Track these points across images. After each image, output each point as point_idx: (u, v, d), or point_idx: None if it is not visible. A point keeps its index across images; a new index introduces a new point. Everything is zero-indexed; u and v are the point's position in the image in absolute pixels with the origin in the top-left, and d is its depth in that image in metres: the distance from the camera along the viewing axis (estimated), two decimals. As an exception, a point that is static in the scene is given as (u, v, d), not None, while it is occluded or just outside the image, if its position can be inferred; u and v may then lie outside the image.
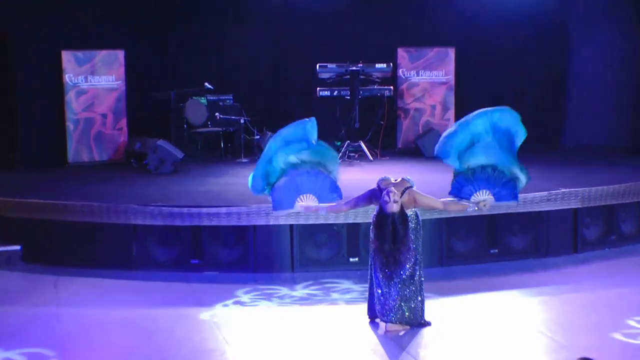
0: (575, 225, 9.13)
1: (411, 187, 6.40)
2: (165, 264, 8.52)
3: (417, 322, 6.49)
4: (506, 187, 6.46)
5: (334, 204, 6.56)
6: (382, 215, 6.27)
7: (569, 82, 14.28)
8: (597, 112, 14.10)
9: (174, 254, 8.54)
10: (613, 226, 9.40)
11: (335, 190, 6.57)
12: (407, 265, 6.34)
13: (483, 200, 6.43)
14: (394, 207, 6.22)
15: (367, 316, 6.67)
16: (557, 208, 9.00)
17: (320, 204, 6.53)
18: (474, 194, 6.43)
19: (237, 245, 8.52)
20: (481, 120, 6.52)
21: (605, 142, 13.85)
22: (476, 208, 6.45)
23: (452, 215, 8.52)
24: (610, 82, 14.09)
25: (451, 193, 6.54)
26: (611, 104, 14.10)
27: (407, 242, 6.28)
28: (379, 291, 6.40)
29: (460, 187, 6.47)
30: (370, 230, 6.47)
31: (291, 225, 8.42)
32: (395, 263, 6.27)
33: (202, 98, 13.05)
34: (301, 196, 6.51)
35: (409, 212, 6.38)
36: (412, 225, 6.39)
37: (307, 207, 6.57)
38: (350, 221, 8.42)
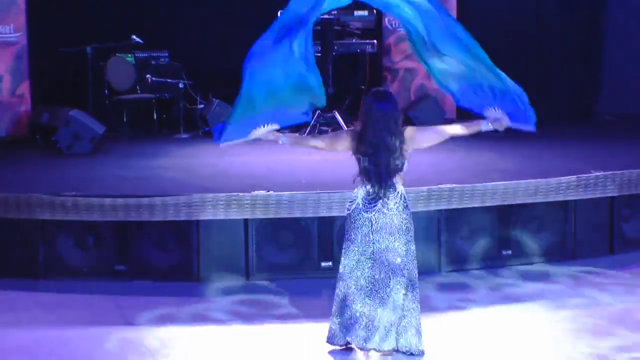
0: (612, 219, 9.26)
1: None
2: (81, 271, 8.51)
3: (410, 350, 6.49)
4: (516, 108, 6.62)
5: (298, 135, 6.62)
6: None
7: (606, 37, 14.42)
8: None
9: (92, 259, 8.54)
10: (660, 220, 9.54)
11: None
12: (399, 260, 6.37)
13: (498, 119, 6.59)
14: None
15: (328, 342, 6.62)
16: (588, 197, 9.10)
17: (284, 134, 6.59)
18: (486, 109, 6.58)
19: (176, 247, 8.54)
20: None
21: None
22: (490, 125, 6.59)
23: (454, 206, 8.61)
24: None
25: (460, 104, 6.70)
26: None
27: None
28: (358, 306, 6.41)
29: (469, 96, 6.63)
30: (346, 220, 6.53)
31: (246, 220, 8.46)
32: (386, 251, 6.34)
33: (129, 55, 13.02)
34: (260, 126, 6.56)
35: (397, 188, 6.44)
36: (399, 206, 6.43)
37: (265, 135, 6.58)
38: (323, 215, 8.47)
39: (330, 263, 8.52)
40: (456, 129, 6.62)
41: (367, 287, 6.38)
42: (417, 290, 6.48)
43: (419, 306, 6.47)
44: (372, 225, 6.36)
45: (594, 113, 14.38)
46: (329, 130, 12.34)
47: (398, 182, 6.40)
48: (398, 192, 6.40)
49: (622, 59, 14.32)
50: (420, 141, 6.48)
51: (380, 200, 6.35)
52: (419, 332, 6.45)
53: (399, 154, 6.32)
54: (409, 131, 6.43)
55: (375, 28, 13.37)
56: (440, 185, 8.66)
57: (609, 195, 9.17)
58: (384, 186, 6.33)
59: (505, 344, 6.90)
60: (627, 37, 14.28)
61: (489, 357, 6.66)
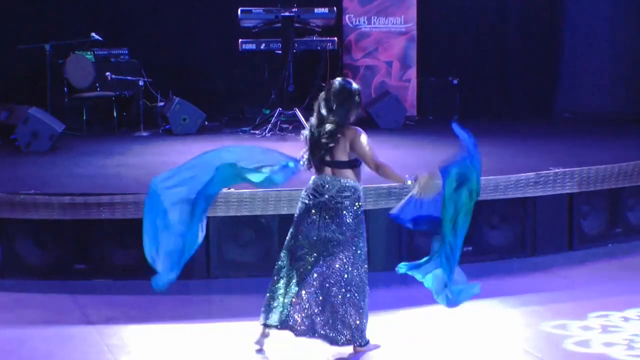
0: (571, 216, 9.32)
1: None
2: (41, 270, 8.46)
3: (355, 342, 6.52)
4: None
5: None
6: None
7: (565, 35, 14.53)
8: (600, 72, 14.37)
9: (52, 258, 8.49)
10: (618, 216, 9.62)
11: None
12: (340, 255, 6.41)
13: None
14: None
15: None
16: (547, 193, 9.16)
17: None
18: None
19: (136, 245, 8.47)
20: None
21: (609, 110, 14.14)
22: (411, 183, 6.48)
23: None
24: (616, 35, 14.37)
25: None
26: (617, 63, 14.37)
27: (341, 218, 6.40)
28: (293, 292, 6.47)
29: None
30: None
31: (207, 218, 8.41)
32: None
33: (88, 53, 12.96)
34: None
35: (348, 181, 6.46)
36: (348, 203, 6.45)
37: None
38: (284, 212, 8.46)
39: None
40: (377, 167, 6.47)
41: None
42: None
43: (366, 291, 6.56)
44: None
45: (553, 111, 14.48)
46: (290, 127, 12.35)
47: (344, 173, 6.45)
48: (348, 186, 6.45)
49: (580, 59, 14.43)
50: (354, 147, 6.45)
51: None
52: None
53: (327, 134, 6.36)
54: (351, 132, 6.43)
55: (336, 25, 13.38)
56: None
57: (568, 192, 9.23)
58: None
59: (463, 339, 6.93)
60: (585, 38, 14.40)
61: (446, 353, 6.68)
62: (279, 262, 6.56)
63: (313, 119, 6.50)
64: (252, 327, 6.89)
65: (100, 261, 8.47)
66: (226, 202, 8.36)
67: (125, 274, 8.45)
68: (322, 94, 6.50)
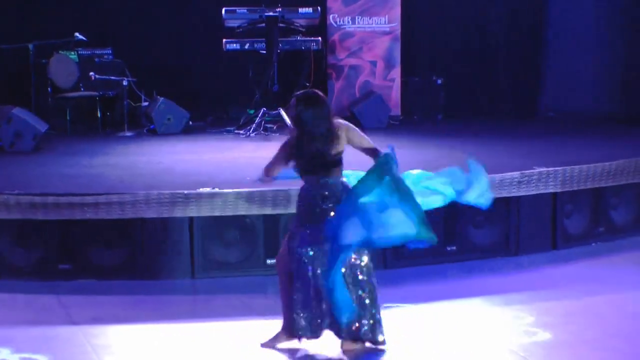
0: (554, 215, 9.35)
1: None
2: (24, 270, 8.44)
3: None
4: None
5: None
6: None
7: (549, 35, 14.57)
8: (583, 72, 14.41)
9: (36, 258, 8.47)
10: (602, 215, 9.66)
11: None
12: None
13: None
14: None
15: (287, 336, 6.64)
16: (531, 193, 9.19)
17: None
18: None
19: (120, 245, 8.50)
20: None
21: (593, 109, 14.18)
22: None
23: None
24: (599, 36, 14.42)
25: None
26: (601, 63, 14.41)
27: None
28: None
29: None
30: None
31: (191, 218, 8.43)
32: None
33: (72, 53, 12.94)
34: None
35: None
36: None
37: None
38: (268, 212, 8.47)
39: (275, 260, 8.51)
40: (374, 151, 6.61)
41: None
42: None
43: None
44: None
45: (537, 111, 14.53)
46: (275, 127, 12.35)
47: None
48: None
49: (565, 59, 14.48)
50: (352, 143, 6.52)
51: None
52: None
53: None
54: (343, 128, 6.47)
55: (320, 25, 13.40)
56: (385, 182, 8.68)
57: (552, 191, 9.27)
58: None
59: (446, 338, 6.94)
60: (569, 38, 14.45)
61: (429, 352, 6.70)
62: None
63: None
64: (236, 327, 6.90)
65: (84, 261, 8.46)
66: (210, 202, 8.36)
67: (109, 274, 8.44)
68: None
